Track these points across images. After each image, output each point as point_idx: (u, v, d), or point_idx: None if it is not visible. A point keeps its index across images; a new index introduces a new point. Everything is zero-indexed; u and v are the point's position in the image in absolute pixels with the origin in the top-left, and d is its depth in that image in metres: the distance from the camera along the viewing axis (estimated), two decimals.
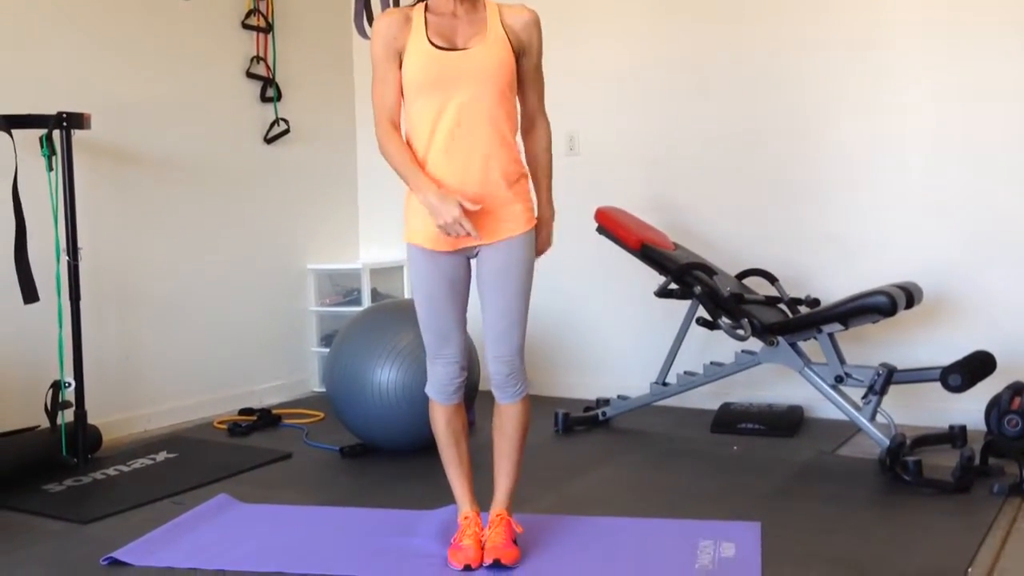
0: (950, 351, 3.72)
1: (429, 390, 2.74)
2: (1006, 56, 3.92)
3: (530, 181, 2.71)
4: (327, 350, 4.29)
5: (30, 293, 3.60)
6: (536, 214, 2.71)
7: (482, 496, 2.79)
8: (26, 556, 2.82)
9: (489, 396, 3.34)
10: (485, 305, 2.66)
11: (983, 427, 3.56)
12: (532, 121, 2.73)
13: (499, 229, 2.58)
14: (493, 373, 2.70)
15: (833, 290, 4.08)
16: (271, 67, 4.98)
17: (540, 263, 2.75)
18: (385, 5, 3.70)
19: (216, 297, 4.72)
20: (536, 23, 2.64)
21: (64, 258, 3.72)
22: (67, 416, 3.69)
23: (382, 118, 2.58)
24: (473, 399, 3.79)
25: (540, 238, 2.72)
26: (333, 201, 5.44)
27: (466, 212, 2.46)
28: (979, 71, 3.98)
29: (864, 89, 4.20)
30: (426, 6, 2.60)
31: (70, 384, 3.70)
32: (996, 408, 3.52)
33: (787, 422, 4.08)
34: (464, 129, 2.52)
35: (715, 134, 4.52)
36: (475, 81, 2.51)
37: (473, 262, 2.68)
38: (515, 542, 2.69)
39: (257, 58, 4.92)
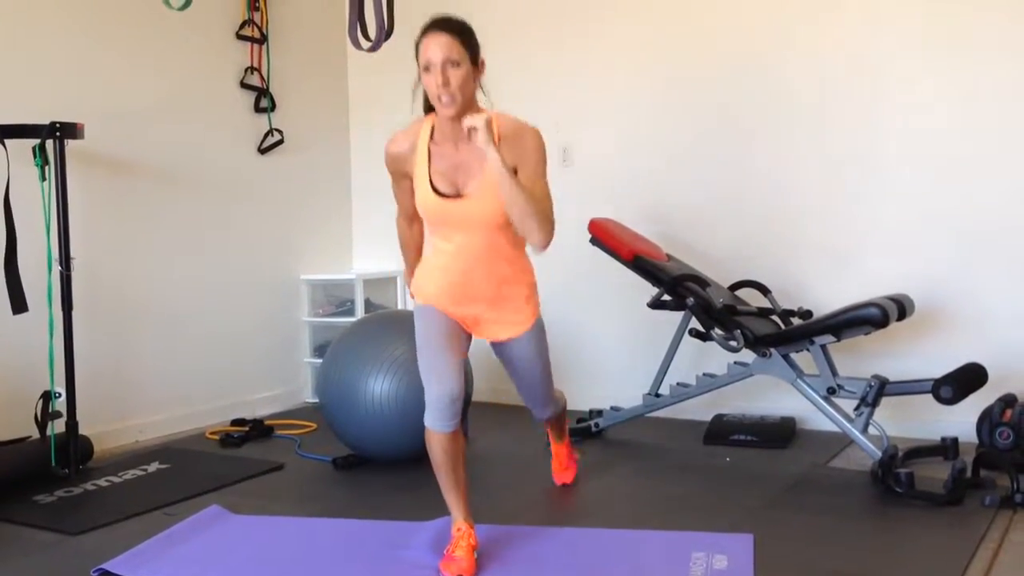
0: (942, 363, 3.72)
1: (427, 419, 2.70)
2: (997, 70, 3.95)
3: (534, 288, 2.93)
4: (320, 361, 4.29)
5: (19, 303, 3.59)
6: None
7: (476, 510, 2.79)
8: (16, 567, 2.81)
9: (484, 408, 3.35)
10: (511, 377, 3.07)
11: (975, 439, 3.57)
12: None
13: (503, 331, 2.89)
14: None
15: (825, 302, 4.08)
16: (265, 78, 4.99)
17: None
18: (379, 17, 3.70)
19: (209, 307, 4.71)
20: (532, 144, 2.70)
21: (56, 268, 3.72)
22: (58, 427, 3.68)
23: (399, 211, 3.00)
24: (467, 410, 3.78)
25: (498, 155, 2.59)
26: (327, 211, 5.44)
27: (468, 315, 2.84)
28: (970, 84, 4.00)
29: (856, 102, 4.21)
30: (432, 130, 2.74)
31: (60, 394, 3.68)
32: (988, 420, 3.53)
33: (780, 434, 4.08)
34: (467, 252, 2.78)
35: (708, 146, 4.53)
36: (474, 224, 2.74)
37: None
38: (576, 462, 3.51)
39: (251, 68, 4.93)
